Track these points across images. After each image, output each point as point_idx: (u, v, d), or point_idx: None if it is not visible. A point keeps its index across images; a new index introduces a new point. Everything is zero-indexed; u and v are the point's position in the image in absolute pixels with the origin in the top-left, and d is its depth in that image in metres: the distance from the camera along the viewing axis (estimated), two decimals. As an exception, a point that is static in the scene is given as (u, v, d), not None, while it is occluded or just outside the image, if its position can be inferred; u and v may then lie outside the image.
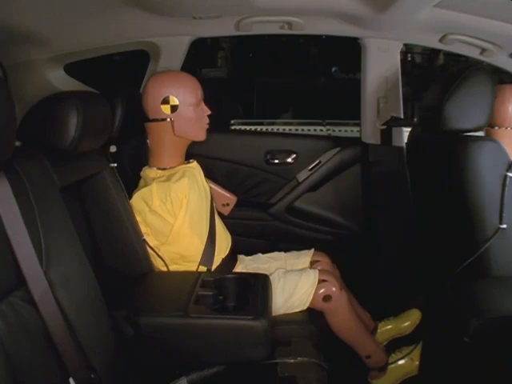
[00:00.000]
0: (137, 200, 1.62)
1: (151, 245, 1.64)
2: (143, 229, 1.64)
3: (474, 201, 1.44)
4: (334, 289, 1.69)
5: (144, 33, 1.85)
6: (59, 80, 1.79)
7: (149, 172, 1.71)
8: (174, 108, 1.65)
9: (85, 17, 1.48)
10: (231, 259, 1.82)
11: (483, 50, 1.75)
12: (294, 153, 2.38)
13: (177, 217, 1.61)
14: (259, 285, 1.51)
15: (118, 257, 1.56)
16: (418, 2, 1.48)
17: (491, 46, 1.71)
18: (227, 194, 2.11)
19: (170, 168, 1.70)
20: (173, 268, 1.69)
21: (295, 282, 1.68)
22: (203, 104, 1.73)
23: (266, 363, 1.44)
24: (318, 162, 2.36)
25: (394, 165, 2.11)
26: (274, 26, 1.86)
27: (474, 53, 1.76)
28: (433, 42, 1.80)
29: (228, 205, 2.09)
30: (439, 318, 1.47)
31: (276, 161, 2.39)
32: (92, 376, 1.03)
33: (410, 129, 1.99)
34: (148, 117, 1.69)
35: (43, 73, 1.70)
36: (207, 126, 1.76)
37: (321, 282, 1.68)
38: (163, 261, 1.68)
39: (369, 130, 2.17)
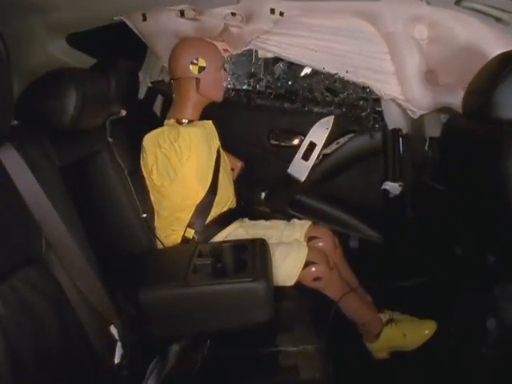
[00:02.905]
0: (147, 140, 1.77)
1: (158, 184, 1.76)
2: (152, 168, 1.74)
3: None
4: (323, 269, 1.75)
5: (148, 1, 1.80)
6: (61, 51, 1.76)
7: (166, 122, 1.87)
8: (201, 69, 1.85)
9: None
10: (229, 216, 1.90)
11: (497, 19, 1.66)
12: (301, 134, 2.25)
13: (183, 162, 1.73)
14: (257, 248, 1.54)
15: (117, 235, 1.57)
16: None
17: (505, 14, 1.62)
18: (232, 159, 2.13)
19: (186, 120, 1.85)
20: (169, 214, 1.77)
21: (284, 256, 1.73)
22: (223, 69, 1.93)
23: (268, 351, 1.45)
24: (328, 148, 2.18)
25: (427, 157, 1.92)
26: None
27: (489, 21, 1.68)
28: (449, 5, 1.69)
29: (233, 170, 2.11)
30: (456, 326, 1.40)
31: (279, 142, 2.27)
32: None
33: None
34: (175, 75, 1.87)
35: (44, 44, 1.66)
36: (225, 89, 1.96)
37: (311, 263, 1.73)
38: (159, 241, 1.76)
39: (396, 115, 2.03)
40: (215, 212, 1.83)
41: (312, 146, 2.16)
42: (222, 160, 1.93)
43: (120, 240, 1.58)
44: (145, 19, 1.87)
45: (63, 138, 1.31)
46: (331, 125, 2.16)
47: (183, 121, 1.84)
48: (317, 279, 1.74)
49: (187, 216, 1.78)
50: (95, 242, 1.17)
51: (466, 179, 1.54)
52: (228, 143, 2.07)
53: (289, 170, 2.12)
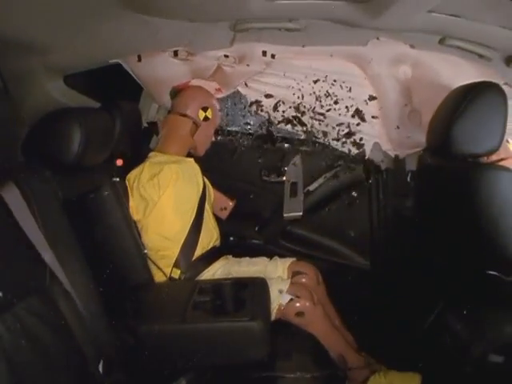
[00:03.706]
0: (129, 176, 1.77)
1: (135, 219, 1.73)
2: (132, 204, 1.72)
3: (491, 229, 1.33)
4: (307, 304, 1.68)
5: (144, 45, 1.86)
6: (59, 92, 1.80)
7: (150, 154, 1.89)
8: (206, 118, 1.93)
9: (84, 28, 1.48)
10: (213, 255, 1.88)
11: (480, 56, 1.74)
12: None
13: (160, 195, 1.73)
14: (256, 288, 1.55)
15: (119, 268, 1.57)
16: (412, 7, 1.42)
17: (487, 51, 1.70)
18: (224, 198, 2.13)
19: (170, 155, 1.87)
20: (155, 249, 1.75)
21: None
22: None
23: (266, 376, 1.44)
24: (317, 181, 2.24)
25: (409, 189, 1.93)
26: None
27: (472, 58, 1.75)
28: (433, 45, 1.76)
29: (225, 209, 2.12)
30: (440, 346, 1.37)
31: (269, 179, 2.29)
32: None
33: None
34: (179, 110, 1.92)
35: (43, 84, 1.70)
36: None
37: (294, 298, 1.67)
38: (162, 271, 1.74)
39: (380, 150, 2.09)
40: (201, 250, 1.82)
41: (294, 184, 2.19)
42: (207, 198, 1.94)
43: (121, 273, 1.59)
44: (139, 60, 1.93)
45: (67, 173, 1.34)
46: (300, 162, 2.23)
47: (167, 153, 1.86)
48: (300, 314, 1.66)
49: (173, 254, 1.76)
50: (97, 274, 1.18)
51: (437, 210, 1.56)
52: (220, 180, 2.11)
53: (285, 215, 2.14)
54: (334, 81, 2.05)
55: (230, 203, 2.15)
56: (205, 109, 1.93)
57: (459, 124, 1.35)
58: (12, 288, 0.92)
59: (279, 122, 2.23)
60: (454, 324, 1.28)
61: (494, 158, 1.47)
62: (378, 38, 1.81)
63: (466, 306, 1.33)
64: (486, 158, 1.44)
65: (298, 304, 1.67)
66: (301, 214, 2.09)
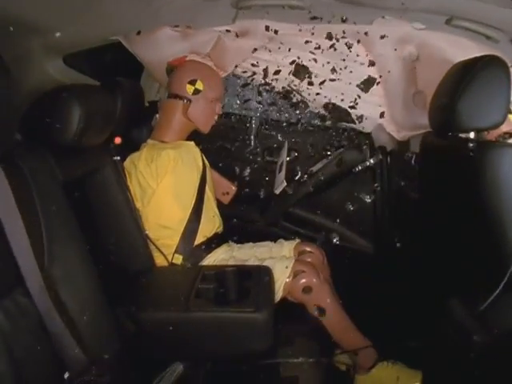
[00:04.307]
0: (127, 162, 1.73)
1: (137, 207, 1.69)
2: (130, 189, 1.67)
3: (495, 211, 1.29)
4: (314, 280, 1.63)
5: (144, 23, 1.81)
6: (58, 71, 1.77)
7: (148, 141, 1.83)
8: (196, 91, 1.80)
9: (84, 7, 1.45)
10: (215, 242, 1.84)
11: (487, 37, 1.70)
12: (294, 150, 2.28)
13: (158, 183, 1.68)
14: (261, 277, 1.52)
15: (119, 252, 1.57)
16: None
17: (494, 32, 1.66)
18: (227, 183, 2.11)
19: (166, 143, 1.80)
20: (155, 238, 1.71)
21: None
22: (219, 103, 1.88)
23: (268, 363, 1.44)
24: (320, 162, 2.21)
25: (413, 172, 1.90)
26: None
27: (480, 40, 1.71)
28: (439, 25, 1.73)
29: (228, 193, 2.10)
30: (442, 334, 1.36)
31: (273, 159, 2.28)
32: (93, 370, 1.04)
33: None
34: (168, 91, 1.84)
35: (42, 64, 1.68)
36: (214, 123, 1.89)
37: (300, 272, 1.63)
38: (163, 254, 1.72)
39: (384, 132, 2.07)
40: (202, 237, 1.78)
41: (281, 163, 2.17)
42: (207, 182, 1.87)
43: (122, 255, 1.58)
44: (138, 33, 1.86)
45: (67, 154, 1.31)
46: (286, 147, 2.21)
47: (165, 141, 1.81)
48: (306, 290, 1.62)
49: (174, 242, 1.73)
50: (97, 255, 1.18)
51: (440, 192, 1.54)
52: (222, 162, 2.09)
53: (274, 191, 2.13)
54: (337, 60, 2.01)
55: (233, 188, 2.13)
56: (193, 82, 1.79)
57: (463, 98, 1.33)
58: (8, 273, 0.92)
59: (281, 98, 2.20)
60: (457, 310, 1.27)
61: (496, 132, 1.47)
62: (383, 17, 1.78)
63: (469, 293, 1.32)
64: (486, 133, 1.42)
65: (304, 279, 1.63)
66: (285, 183, 2.05)
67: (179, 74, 1.84)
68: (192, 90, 1.80)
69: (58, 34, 1.53)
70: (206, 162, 1.93)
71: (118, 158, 1.65)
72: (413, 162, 1.95)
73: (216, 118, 1.89)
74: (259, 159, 2.32)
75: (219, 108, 1.89)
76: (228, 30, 1.92)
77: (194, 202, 1.77)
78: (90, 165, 1.52)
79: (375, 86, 2.04)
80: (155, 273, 1.66)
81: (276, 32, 1.92)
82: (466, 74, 1.35)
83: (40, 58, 1.65)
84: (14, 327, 0.89)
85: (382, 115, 2.10)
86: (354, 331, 1.72)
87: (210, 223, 1.83)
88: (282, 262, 1.67)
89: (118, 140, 1.67)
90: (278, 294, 1.61)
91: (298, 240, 1.94)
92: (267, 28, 1.90)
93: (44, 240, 1.01)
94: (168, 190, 1.71)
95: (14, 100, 0.92)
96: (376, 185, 2.15)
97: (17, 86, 1.38)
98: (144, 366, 1.29)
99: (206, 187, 1.85)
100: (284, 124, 2.30)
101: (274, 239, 1.95)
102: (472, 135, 1.39)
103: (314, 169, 2.18)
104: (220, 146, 2.26)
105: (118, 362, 1.12)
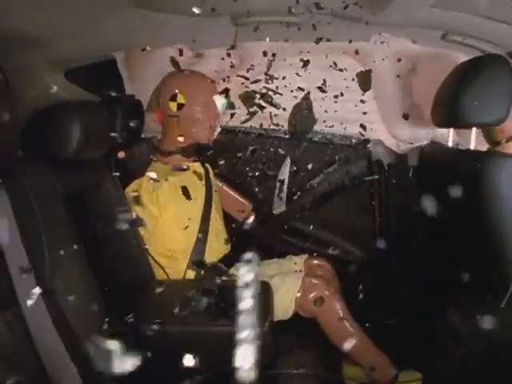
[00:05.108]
0: (129, 189, 1.69)
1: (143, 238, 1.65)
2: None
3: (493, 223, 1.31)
4: (326, 292, 1.62)
5: (146, 40, 1.83)
6: (59, 85, 1.79)
7: (152, 163, 1.78)
8: (180, 106, 1.74)
9: (86, 22, 1.48)
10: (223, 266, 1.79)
11: (483, 52, 1.73)
12: (294, 165, 2.28)
13: (161, 210, 1.64)
14: (261, 293, 1.51)
15: (120, 265, 1.57)
16: (415, 2, 1.43)
17: (490, 46, 1.69)
18: (242, 201, 2.10)
19: (170, 163, 1.76)
20: (164, 264, 1.69)
21: (275, 287, 1.61)
22: (213, 107, 1.79)
23: (268, 374, 1.43)
24: (319, 176, 2.24)
25: (411, 185, 1.92)
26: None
27: (474, 54, 1.73)
28: (435, 40, 1.76)
29: (243, 211, 2.09)
30: (440, 342, 1.35)
31: (275, 173, 2.28)
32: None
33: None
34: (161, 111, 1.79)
35: (43, 78, 1.69)
36: (211, 130, 1.82)
37: (311, 285, 1.62)
38: (162, 269, 1.71)
39: (381, 146, 2.11)
40: (210, 259, 1.74)
41: (282, 181, 2.20)
42: (214, 204, 1.84)
43: (122, 269, 1.58)
44: (143, 50, 1.85)
45: (67, 168, 1.33)
46: (289, 159, 2.20)
47: (168, 161, 1.78)
48: (318, 302, 1.59)
49: (183, 265, 1.72)
50: (97, 269, 1.18)
51: (439, 204, 1.54)
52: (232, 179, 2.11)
53: (273, 211, 2.17)
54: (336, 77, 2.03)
55: (248, 205, 2.13)
56: (173, 98, 1.75)
57: (466, 93, 1.36)
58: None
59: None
60: (455, 320, 1.27)
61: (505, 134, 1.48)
62: (380, 34, 1.80)
63: (467, 302, 1.31)
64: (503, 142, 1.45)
65: (315, 292, 1.60)
66: (284, 207, 2.10)
67: (161, 94, 1.81)
68: (176, 106, 1.76)
69: (59, 49, 1.55)
70: (215, 182, 1.91)
71: (117, 173, 1.66)
72: (410, 174, 1.95)
73: (212, 123, 1.84)
74: (258, 173, 2.32)
75: (214, 111, 1.82)
76: (229, 54, 1.93)
77: (198, 228, 1.74)
78: (90, 179, 1.53)
79: (372, 101, 2.06)
80: (155, 286, 1.66)
81: (274, 55, 1.94)
82: (470, 71, 1.39)
83: (41, 72, 1.66)
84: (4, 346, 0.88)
85: (376, 129, 2.13)
86: (372, 347, 1.68)
87: (216, 248, 1.81)
88: (291, 276, 1.67)
89: (121, 154, 1.69)
90: (290, 309, 1.60)
91: (307, 255, 1.95)
92: (265, 53, 1.92)
93: (46, 254, 1.02)
94: (170, 220, 1.69)
95: (15, 114, 0.93)
96: (373, 200, 2.18)
97: (18, 99, 1.42)
98: (143, 380, 1.29)
99: (212, 210, 1.82)
100: (286, 138, 2.30)
101: (279, 255, 1.97)
102: (472, 146, 1.41)
103: (314, 183, 2.20)
104: (229, 164, 2.26)
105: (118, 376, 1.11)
